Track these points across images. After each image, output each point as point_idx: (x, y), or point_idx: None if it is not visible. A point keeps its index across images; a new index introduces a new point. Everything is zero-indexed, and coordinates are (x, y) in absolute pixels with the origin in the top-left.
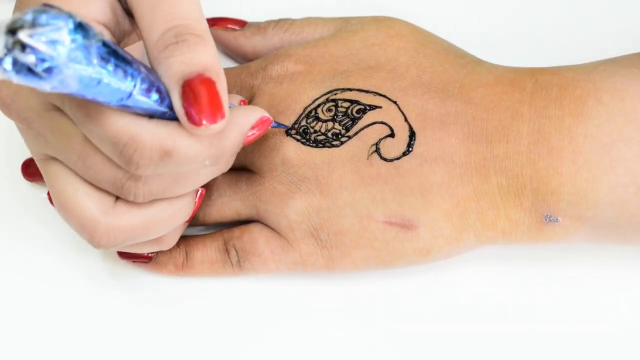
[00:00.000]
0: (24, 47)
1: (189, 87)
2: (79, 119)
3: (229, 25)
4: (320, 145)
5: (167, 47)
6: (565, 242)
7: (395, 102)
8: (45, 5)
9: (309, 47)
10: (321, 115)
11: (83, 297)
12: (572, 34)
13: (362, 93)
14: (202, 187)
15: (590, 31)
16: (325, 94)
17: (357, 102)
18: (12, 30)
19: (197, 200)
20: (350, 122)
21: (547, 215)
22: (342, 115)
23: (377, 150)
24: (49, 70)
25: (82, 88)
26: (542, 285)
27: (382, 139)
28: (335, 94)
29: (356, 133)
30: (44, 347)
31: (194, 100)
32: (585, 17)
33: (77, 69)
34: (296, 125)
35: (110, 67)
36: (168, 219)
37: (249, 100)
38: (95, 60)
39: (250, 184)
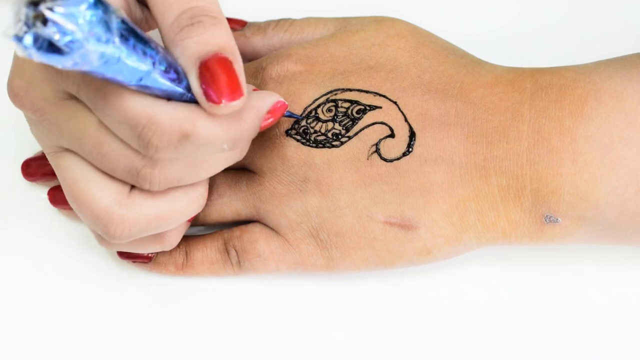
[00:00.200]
0: (45, 21)
1: (206, 67)
2: (96, 103)
3: (229, 25)
4: (321, 145)
5: (182, 29)
6: (565, 243)
7: (395, 103)
8: None
9: (309, 47)
10: (321, 116)
11: (83, 297)
12: (572, 34)
13: (362, 93)
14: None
15: (590, 31)
16: (325, 94)
17: (357, 103)
18: (33, 3)
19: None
20: (351, 123)
21: (547, 216)
22: (342, 116)
23: (377, 151)
24: (70, 44)
25: (103, 65)
26: (542, 285)
27: (382, 139)
28: (335, 94)
29: (356, 133)
30: (43, 347)
31: (212, 80)
32: (585, 17)
33: (98, 44)
34: (296, 126)
35: (130, 44)
36: (182, 210)
37: None
38: (115, 36)
39: (250, 184)
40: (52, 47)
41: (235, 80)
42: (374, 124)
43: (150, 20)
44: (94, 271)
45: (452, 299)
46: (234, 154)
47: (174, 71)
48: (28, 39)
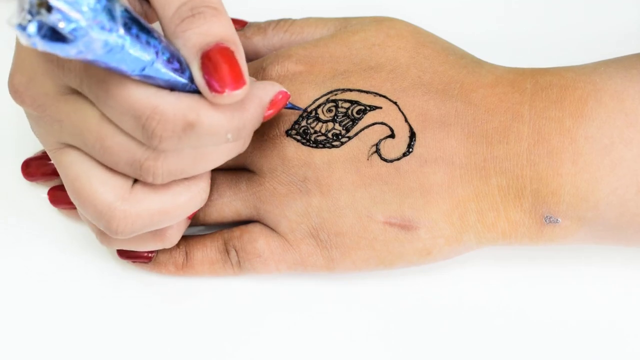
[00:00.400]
0: (49, 8)
1: (207, 58)
2: (99, 95)
3: None
4: (321, 145)
5: (183, 21)
6: (565, 243)
7: (395, 103)
8: None
9: (309, 48)
10: (321, 116)
11: (83, 297)
12: (572, 34)
13: (363, 93)
14: None
15: (590, 31)
16: (326, 95)
17: (358, 103)
18: None
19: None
20: (351, 123)
21: (547, 217)
22: (343, 116)
23: (378, 151)
24: (74, 32)
25: (106, 54)
26: (542, 285)
27: (382, 139)
28: (336, 95)
29: (356, 133)
30: (43, 347)
31: (214, 70)
32: (585, 17)
33: (102, 32)
34: (296, 126)
35: (133, 33)
36: (184, 204)
37: None
38: (119, 24)
39: (251, 185)
40: (56, 36)
41: (238, 69)
42: (374, 124)
43: (149, 14)
44: (94, 271)
45: (452, 299)
46: (237, 145)
47: (177, 61)
48: (32, 28)
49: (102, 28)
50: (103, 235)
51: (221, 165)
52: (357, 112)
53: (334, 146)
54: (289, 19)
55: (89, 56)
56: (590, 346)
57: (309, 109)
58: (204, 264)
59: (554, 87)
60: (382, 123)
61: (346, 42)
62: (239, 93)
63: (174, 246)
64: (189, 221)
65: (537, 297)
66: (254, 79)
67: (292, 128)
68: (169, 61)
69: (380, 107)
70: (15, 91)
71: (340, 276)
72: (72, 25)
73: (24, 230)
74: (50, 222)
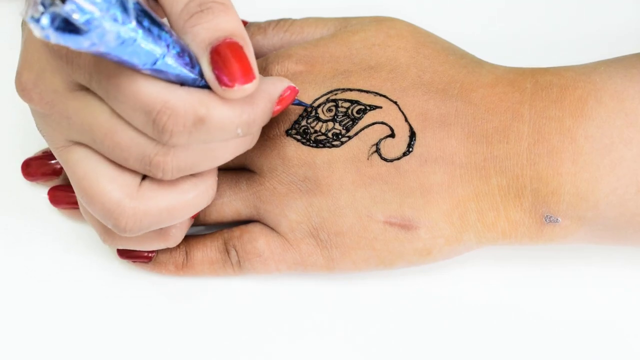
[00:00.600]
0: (63, 0)
1: (217, 53)
2: (109, 91)
3: None
4: (321, 145)
5: (191, 17)
6: (565, 243)
7: (395, 103)
8: None
9: (309, 47)
10: (321, 116)
11: (83, 297)
12: (572, 34)
13: (363, 93)
14: None
15: (590, 31)
16: (326, 94)
17: (358, 102)
18: None
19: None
20: (351, 123)
21: (547, 216)
22: (343, 116)
23: (378, 151)
24: (88, 23)
25: (119, 46)
26: (542, 285)
27: (382, 139)
28: (336, 94)
29: (356, 133)
30: (43, 347)
31: (223, 65)
32: (585, 17)
33: (115, 24)
34: (297, 126)
35: (145, 25)
36: (192, 201)
37: None
38: (132, 17)
39: (251, 184)
40: (69, 28)
41: (247, 63)
42: (374, 123)
43: (156, 11)
44: (94, 271)
45: (452, 299)
46: (245, 140)
47: (187, 56)
48: (45, 20)
49: (115, 20)
50: (106, 234)
51: (223, 165)
52: (357, 112)
53: (334, 146)
54: (289, 19)
55: (102, 48)
56: (590, 346)
57: (309, 109)
58: (204, 263)
59: (554, 87)
60: (382, 123)
61: (346, 42)
62: (249, 87)
63: (174, 246)
64: (192, 221)
65: (537, 297)
66: (260, 75)
67: (292, 128)
68: (180, 55)
69: (381, 107)
70: (23, 89)
71: (340, 276)
72: (86, 17)
73: (24, 230)
74: (50, 222)
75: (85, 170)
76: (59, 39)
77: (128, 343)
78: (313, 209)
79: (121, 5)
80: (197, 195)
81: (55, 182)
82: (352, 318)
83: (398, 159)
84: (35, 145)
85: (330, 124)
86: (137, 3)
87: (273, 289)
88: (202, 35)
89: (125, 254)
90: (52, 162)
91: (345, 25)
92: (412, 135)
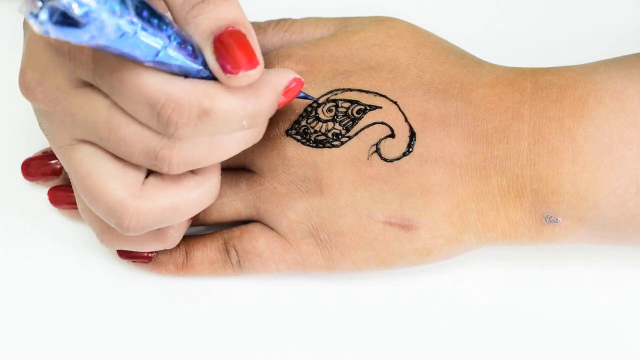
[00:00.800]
0: None
1: (220, 42)
2: (112, 86)
3: None
4: (321, 145)
5: (193, 7)
6: (565, 243)
7: (395, 103)
8: None
9: (309, 47)
10: (321, 116)
11: (83, 298)
12: (572, 34)
13: (363, 93)
14: None
15: (590, 31)
16: (326, 94)
17: (358, 103)
18: None
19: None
20: (351, 123)
21: (547, 216)
22: (343, 116)
23: (378, 151)
24: (86, 15)
25: (119, 39)
26: (542, 285)
27: (382, 139)
28: (336, 94)
29: (356, 133)
30: (44, 347)
31: (227, 53)
32: (585, 17)
33: (114, 16)
34: (296, 126)
35: (145, 17)
36: (196, 200)
37: None
38: (130, 8)
39: (251, 184)
40: (67, 21)
41: (250, 50)
42: (374, 124)
43: (158, 5)
44: (94, 271)
45: (452, 299)
46: (252, 133)
47: (189, 46)
48: (44, 15)
49: (114, 12)
50: (104, 234)
51: (225, 163)
52: (357, 112)
53: (334, 146)
54: (289, 19)
55: (102, 41)
56: (590, 346)
57: (309, 109)
58: (204, 263)
59: (554, 87)
60: (382, 123)
61: (346, 42)
62: (254, 73)
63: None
64: (190, 222)
65: (537, 297)
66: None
67: (292, 128)
68: (182, 46)
69: (380, 107)
70: (27, 88)
71: (340, 276)
72: (84, 9)
73: (24, 230)
74: (50, 222)
75: (89, 168)
76: (58, 34)
77: (128, 343)
78: (313, 209)
79: None
80: (201, 194)
81: (55, 182)
82: (352, 318)
83: (398, 159)
84: (35, 145)
85: (330, 124)
86: None
87: (273, 289)
88: (204, 25)
89: (125, 254)
90: (52, 162)
91: (345, 25)
92: (412, 135)
